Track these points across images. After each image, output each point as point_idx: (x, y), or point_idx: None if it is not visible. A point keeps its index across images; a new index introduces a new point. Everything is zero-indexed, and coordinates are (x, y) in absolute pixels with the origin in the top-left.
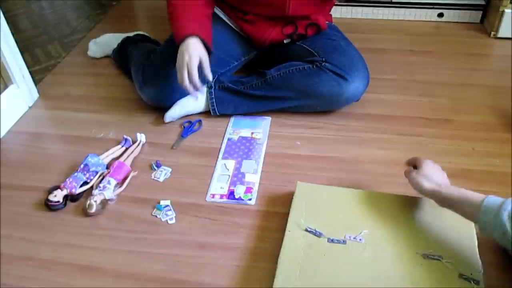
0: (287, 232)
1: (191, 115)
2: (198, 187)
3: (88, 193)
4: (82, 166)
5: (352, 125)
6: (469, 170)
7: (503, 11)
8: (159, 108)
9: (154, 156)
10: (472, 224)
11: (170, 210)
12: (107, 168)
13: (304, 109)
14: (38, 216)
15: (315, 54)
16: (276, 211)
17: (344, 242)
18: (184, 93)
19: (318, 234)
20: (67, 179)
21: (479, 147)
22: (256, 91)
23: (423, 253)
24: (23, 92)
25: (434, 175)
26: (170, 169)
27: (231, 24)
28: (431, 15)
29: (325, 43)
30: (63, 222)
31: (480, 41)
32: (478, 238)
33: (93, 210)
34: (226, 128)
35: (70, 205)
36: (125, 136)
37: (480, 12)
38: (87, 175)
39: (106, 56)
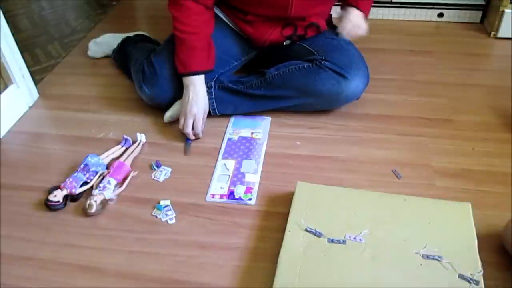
0: (287, 232)
1: None
2: (198, 187)
3: (88, 193)
4: (82, 166)
5: (352, 125)
6: (469, 170)
7: (503, 11)
8: (159, 108)
9: (154, 156)
10: (472, 224)
11: (170, 210)
12: (107, 168)
13: (304, 108)
14: (38, 216)
15: (315, 53)
16: (276, 211)
17: (344, 242)
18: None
19: (318, 234)
20: (67, 179)
21: (479, 147)
22: (256, 90)
23: (423, 253)
24: (23, 92)
25: None
26: (170, 169)
27: (230, 25)
28: (431, 15)
29: (325, 42)
30: (63, 222)
31: (480, 41)
32: (478, 238)
33: (93, 210)
34: (226, 128)
35: (70, 205)
36: (125, 136)
37: (480, 12)
38: (87, 175)
39: (106, 56)
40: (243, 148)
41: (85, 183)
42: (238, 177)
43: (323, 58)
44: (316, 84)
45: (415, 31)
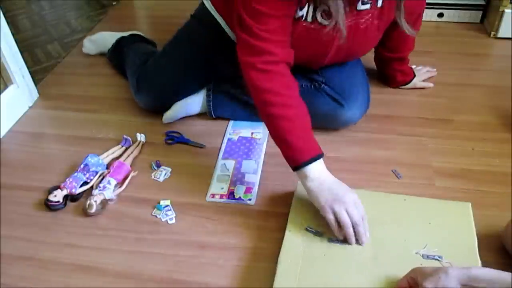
0: (287, 232)
1: (190, 116)
2: (198, 187)
3: (88, 193)
4: (82, 166)
5: (352, 125)
6: (469, 170)
7: (503, 11)
8: (158, 110)
9: (154, 156)
10: (472, 224)
11: (170, 210)
12: (107, 168)
13: None
14: (38, 216)
15: (318, 71)
16: (276, 211)
17: (344, 241)
18: (180, 99)
19: (318, 234)
20: (67, 179)
21: (479, 147)
22: (252, 100)
23: (423, 253)
24: (23, 92)
25: None
26: (170, 169)
27: None
28: (431, 15)
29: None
30: (63, 222)
31: (480, 41)
32: (478, 238)
33: (93, 210)
34: (226, 128)
35: (70, 205)
36: (125, 136)
37: (480, 12)
38: (87, 175)
39: (101, 54)
40: (243, 148)
41: (85, 183)
42: (238, 177)
43: (323, 81)
44: (312, 107)
45: None
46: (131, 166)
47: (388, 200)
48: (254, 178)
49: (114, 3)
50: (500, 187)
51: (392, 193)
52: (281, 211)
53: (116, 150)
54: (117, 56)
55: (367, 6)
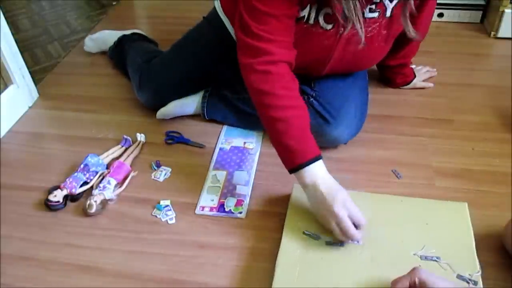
0: (284, 235)
1: (190, 116)
2: (198, 187)
3: (88, 193)
4: (82, 166)
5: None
6: (469, 170)
7: (503, 11)
8: (159, 108)
9: (154, 156)
10: (469, 224)
11: (170, 210)
12: (107, 168)
13: None
14: (38, 216)
15: (311, 83)
16: (276, 211)
17: (342, 244)
18: (180, 98)
19: (316, 237)
20: (67, 179)
21: (479, 147)
22: (245, 106)
23: (421, 255)
24: (23, 92)
25: None
26: (170, 169)
27: None
28: None
29: (329, 76)
30: (63, 222)
31: (480, 41)
32: (477, 238)
33: (93, 210)
34: (218, 137)
35: (70, 205)
36: (125, 136)
37: (480, 12)
38: (87, 175)
39: (102, 53)
40: (235, 159)
41: (85, 183)
42: (229, 189)
43: (313, 95)
44: None
45: None
46: (131, 166)
47: (385, 201)
48: (245, 190)
49: (114, 3)
50: (500, 187)
51: (390, 194)
52: (281, 211)
53: (116, 150)
54: (118, 53)
55: (375, 15)
